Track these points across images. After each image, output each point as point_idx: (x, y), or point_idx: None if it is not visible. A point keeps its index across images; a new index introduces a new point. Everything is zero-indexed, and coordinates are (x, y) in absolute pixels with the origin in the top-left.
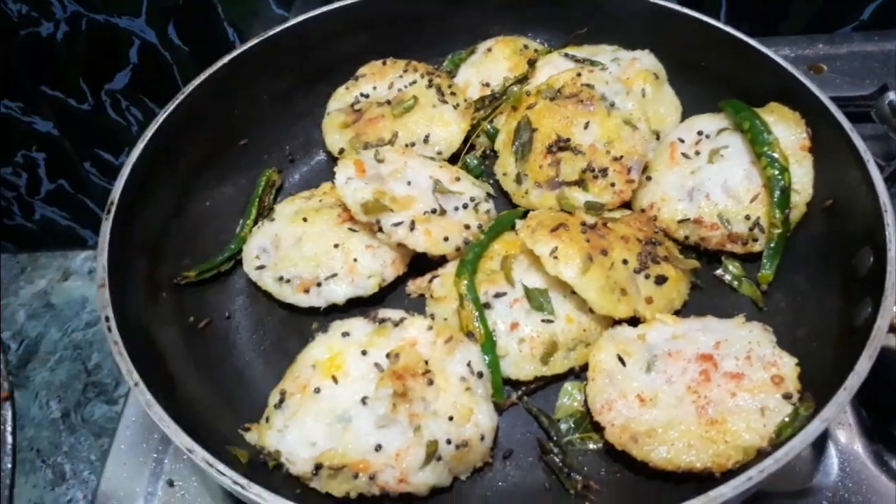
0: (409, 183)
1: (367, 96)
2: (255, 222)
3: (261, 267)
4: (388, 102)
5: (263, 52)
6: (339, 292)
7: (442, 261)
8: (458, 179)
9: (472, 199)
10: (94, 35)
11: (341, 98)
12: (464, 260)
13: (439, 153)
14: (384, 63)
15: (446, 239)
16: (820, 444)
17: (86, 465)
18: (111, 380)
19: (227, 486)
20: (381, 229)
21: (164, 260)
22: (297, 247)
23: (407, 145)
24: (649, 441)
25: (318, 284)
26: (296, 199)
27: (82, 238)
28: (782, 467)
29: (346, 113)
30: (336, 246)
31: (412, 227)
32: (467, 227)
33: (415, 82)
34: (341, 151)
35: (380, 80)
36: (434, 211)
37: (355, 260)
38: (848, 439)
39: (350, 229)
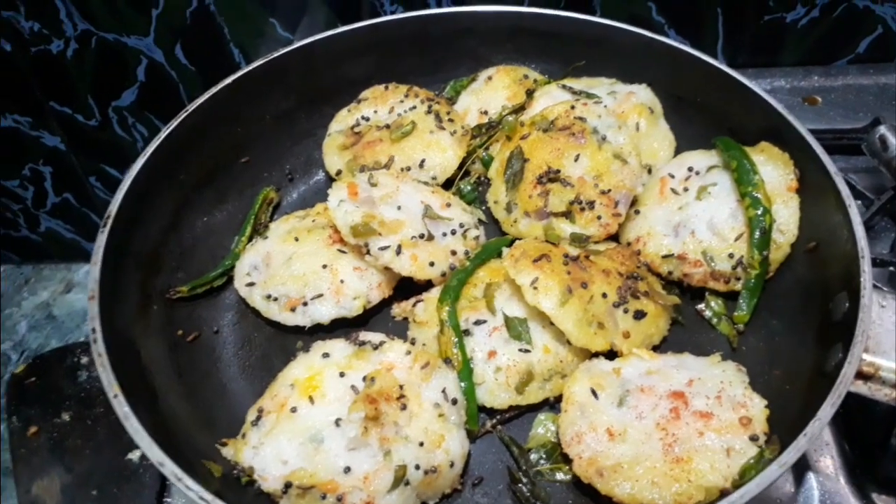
0: (399, 207)
1: (367, 119)
2: (250, 239)
3: (251, 284)
4: (388, 126)
5: (269, 72)
6: (323, 312)
7: (428, 285)
8: (448, 205)
9: (462, 226)
10: (103, 53)
11: (343, 120)
12: (447, 286)
13: (434, 178)
14: (386, 88)
15: (432, 264)
16: (800, 476)
17: None
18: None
19: (193, 499)
20: (368, 252)
21: (158, 273)
22: (286, 265)
23: (403, 169)
24: (615, 476)
25: (305, 304)
26: (290, 219)
27: (86, 251)
28: None
29: (345, 135)
30: (324, 266)
31: (399, 251)
32: (454, 252)
33: (414, 107)
34: (338, 173)
35: (381, 104)
36: (422, 236)
37: (342, 281)
38: (830, 472)
39: (339, 251)
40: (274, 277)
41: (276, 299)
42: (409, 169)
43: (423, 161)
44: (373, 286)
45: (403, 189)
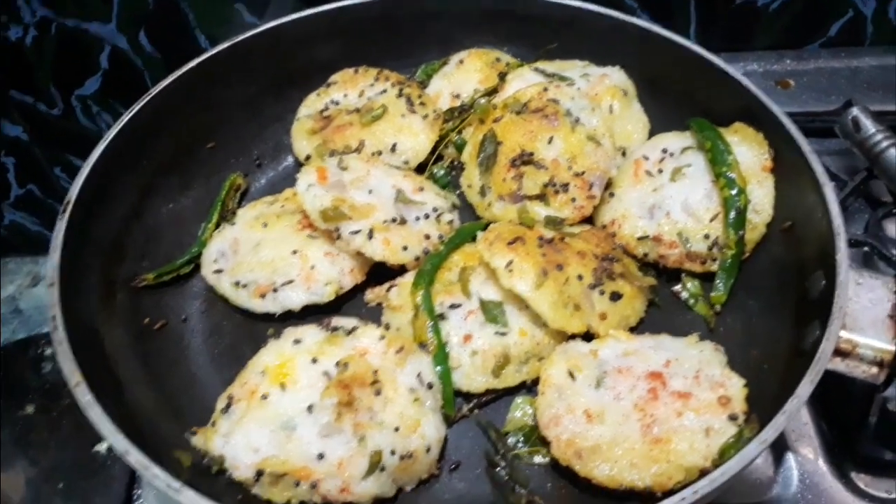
0: (370, 191)
1: (337, 103)
2: (217, 226)
3: (218, 271)
4: (358, 110)
5: (234, 55)
6: (294, 299)
7: (401, 270)
8: (421, 189)
9: (435, 210)
10: (64, 40)
11: (311, 104)
12: (422, 270)
13: (406, 162)
14: (356, 71)
15: (405, 248)
16: (779, 457)
17: None
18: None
19: (161, 489)
20: (339, 237)
21: (121, 261)
22: (255, 252)
23: (374, 154)
24: (593, 457)
25: (275, 290)
26: (258, 204)
27: None
28: (718, 487)
29: (314, 119)
30: (294, 252)
31: (370, 235)
32: (427, 237)
33: (385, 91)
34: (308, 158)
35: (351, 87)
36: (394, 220)
37: (313, 267)
38: (809, 452)
39: (309, 236)
40: (242, 264)
41: (245, 286)
42: (380, 153)
43: (394, 145)
44: (345, 271)
45: (374, 173)
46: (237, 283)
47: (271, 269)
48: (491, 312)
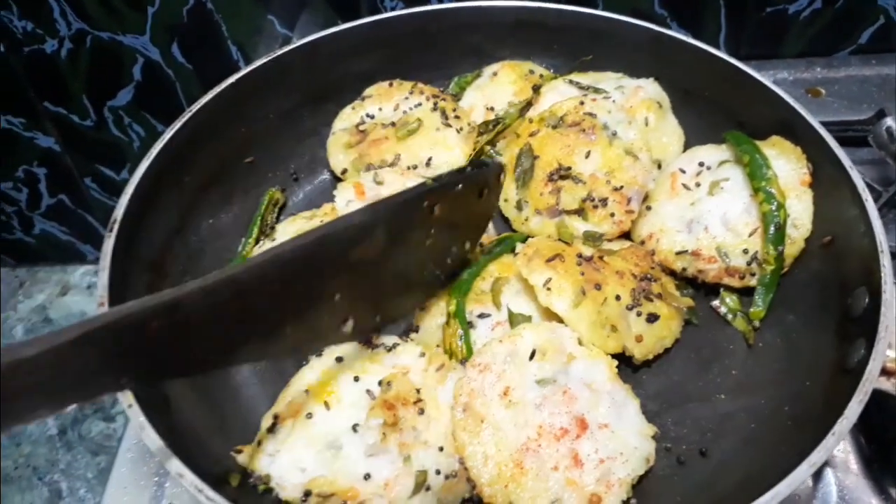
0: None
1: (372, 117)
2: (257, 241)
3: None
4: (393, 124)
5: (271, 71)
6: None
7: None
8: None
9: None
10: (98, 52)
11: (347, 118)
12: (458, 279)
13: None
14: (391, 85)
15: None
16: (818, 472)
17: (82, 482)
18: (108, 397)
19: None
20: None
21: (165, 277)
22: None
23: (409, 167)
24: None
25: None
26: (297, 219)
27: (82, 253)
28: None
29: (350, 133)
30: None
31: None
32: None
33: (420, 104)
34: (344, 171)
35: (386, 101)
36: None
37: None
38: (847, 467)
39: None
40: None
41: None
42: (415, 167)
43: (429, 159)
44: None
45: (410, 185)
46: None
47: None
48: (518, 325)
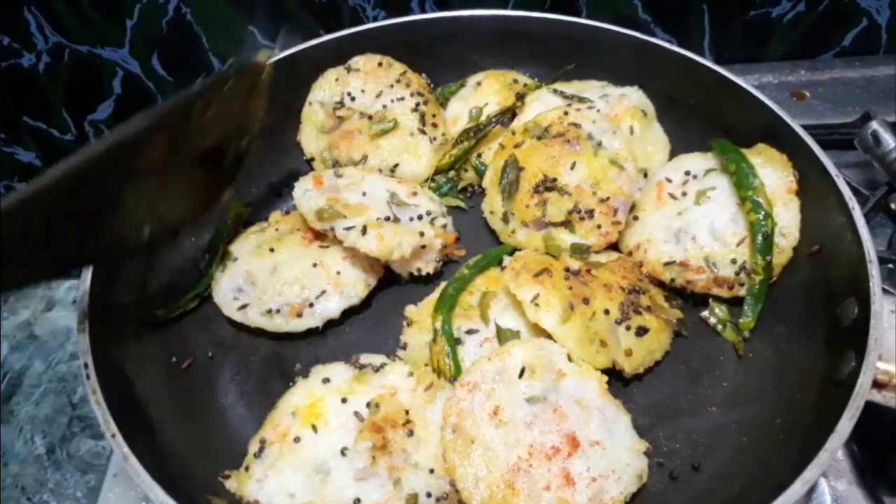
0: (364, 193)
1: (353, 99)
2: (222, 259)
3: (243, 306)
4: (370, 117)
5: None
6: (332, 307)
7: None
8: (415, 194)
9: (428, 213)
10: (77, 66)
11: (328, 88)
12: (444, 294)
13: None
14: (380, 64)
15: (399, 244)
16: None
17: (72, 502)
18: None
19: None
20: (335, 236)
21: (147, 301)
22: (274, 277)
23: (376, 171)
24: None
25: (311, 305)
26: (249, 235)
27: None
28: None
29: (326, 112)
30: (315, 265)
31: (364, 231)
32: (422, 234)
33: (403, 99)
34: (311, 160)
35: (371, 82)
36: (388, 218)
37: (338, 273)
38: (841, 476)
39: (321, 247)
40: (266, 291)
41: (277, 311)
42: (380, 171)
43: (396, 166)
44: (367, 269)
45: (369, 178)
46: (269, 311)
47: (300, 286)
48: (506, 341)
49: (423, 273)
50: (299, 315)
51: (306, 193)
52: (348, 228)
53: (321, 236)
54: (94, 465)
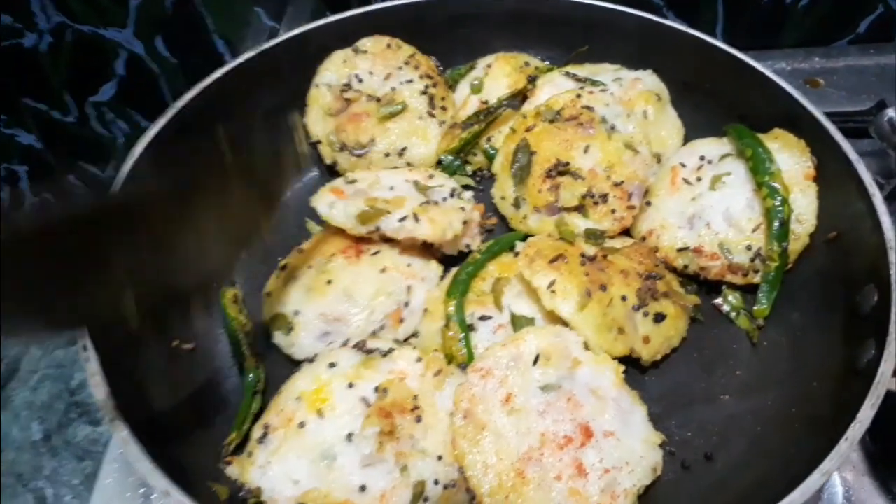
0: (391, 188)
1: (361, 81)
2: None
3: (331, 343)
4: (378, 100)
5: (260, 65)
6: (424, 297)
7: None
8: (431, 177)
9: (453, 190)
10: (80, 46)
11: (335, 70)
12: (456, 279)
13: (409, 166)
14: (388, 46)
15: (450, 223)
16: None
17: (68, 489)
18: (94, 400)
19: None
20: (382, 235)
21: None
22: (350, 304)
23: (384, 155)
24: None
25: (406, 304)
26: (278, 280)
27: None
28: None
29: (334, 95)
30: (382, 271)
31: (416, 218)
32: (462, 208)
33: (411, 81)
34: (318, 143)
35: (379, 65)
36: (427, 202)
37: (409, 265)
38: (853, 467)
39: (372, 255)
40: (356, 317)
41: (381, 328)
42: (388, 155)
43: (404, 149)
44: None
45: (384, 175)
46: (373, 334)
47: (385, 295)
48: (521, 327)
49: (472, 249)
50: (401, 321)
51: (335, 205)
52: (402, 220)
53: (362, 246)
54: (92, 451)
